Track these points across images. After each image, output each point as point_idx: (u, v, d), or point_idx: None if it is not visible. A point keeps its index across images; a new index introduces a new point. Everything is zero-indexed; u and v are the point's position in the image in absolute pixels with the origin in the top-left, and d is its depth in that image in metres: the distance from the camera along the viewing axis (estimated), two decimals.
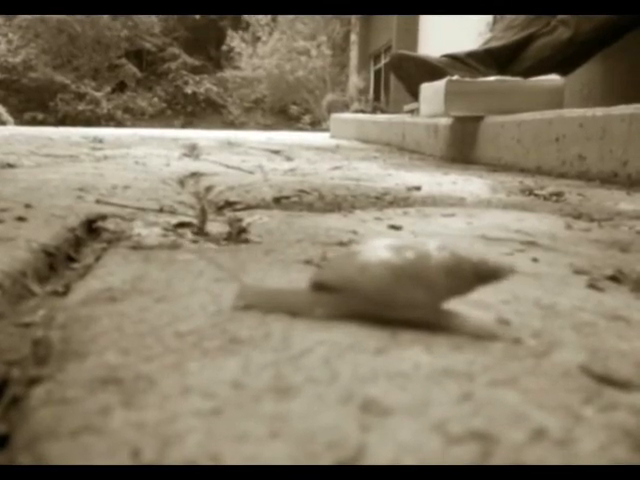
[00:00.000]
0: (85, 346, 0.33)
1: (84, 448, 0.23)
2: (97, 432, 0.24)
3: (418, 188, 1.19)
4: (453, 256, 0.37)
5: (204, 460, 0.22)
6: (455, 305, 0.38)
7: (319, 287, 0.38)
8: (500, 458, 0.23)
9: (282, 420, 0.25)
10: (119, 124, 13.44)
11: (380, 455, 0.23)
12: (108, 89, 15.28)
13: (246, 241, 0.67)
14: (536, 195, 1.22)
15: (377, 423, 0.25)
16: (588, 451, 0.24)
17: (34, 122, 12.32)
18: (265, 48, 13.12)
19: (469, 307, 0.40)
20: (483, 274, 0.37)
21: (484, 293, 0.44)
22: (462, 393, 0.28)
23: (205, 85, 16.22)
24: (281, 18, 13.11)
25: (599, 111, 1.57)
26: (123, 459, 0.22)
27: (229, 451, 0.23)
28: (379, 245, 0.38)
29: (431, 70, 2.47)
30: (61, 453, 0.23)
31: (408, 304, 0.36)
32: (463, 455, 0.23)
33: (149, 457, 0.22)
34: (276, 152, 2.50)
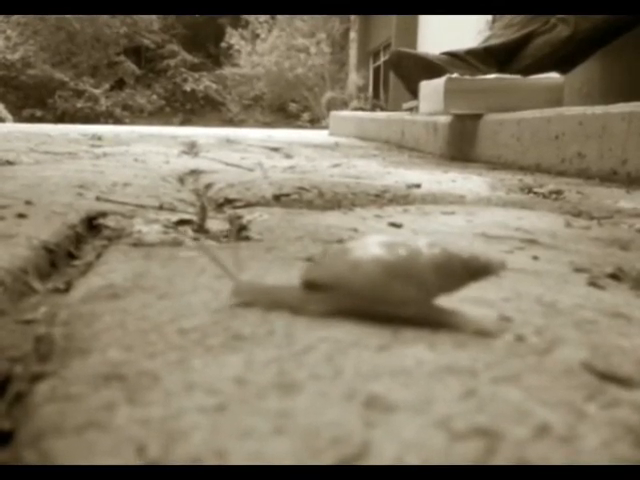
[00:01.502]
0: (88, 343, 0.33)
1: (89, 444, 0.23)
2: (102, 428, 0.24)
3: (418, 186, 1.20)
4: (444, 252, 0.37)
5: (209, 456, 0.22)
6: (456, 302, 0.38)
7: (310, 285, 0.38)
8: (504, 454, 0.23)
9: (286, 416, 0.25)
10: (118, 121, 13.41)
11: (384, 451, 0.23)
12: (107, 86, 15.24)
13: (246, 238, 0.67)
14: (536, 193, 1.23)
15: (381, 419, 0.25)
16: (591, 447, 0.24)
17: (32, 119, 12.29)
18: (264, 45, 13.10)
19: (470, 304, 0.40)
20: (474, 270, 0.37)
21: (485, 290, 0.44)
22: (465, 390, 0.28)
23: (204, 82, 16.18)
24: (280, 15, 13.09)
25: (598, 109, 1.57)
26: (128, 455, 0.22)
27: (234, 447, 0.23)
28: (370, 242, 0.38)
29: (430, 68, 2.47)
30: (66, 449, 0.23)
31: (399, 301, 0.36)
32: (467, 451, 0.23)
33: (154, 453, 0.22)
34: (275, 150, 2.50)
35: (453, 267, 0.37)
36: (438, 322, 0.37)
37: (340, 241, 0.65)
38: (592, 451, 0.23)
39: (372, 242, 0.38)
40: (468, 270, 0.37)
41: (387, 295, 0.36)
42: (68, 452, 0.23)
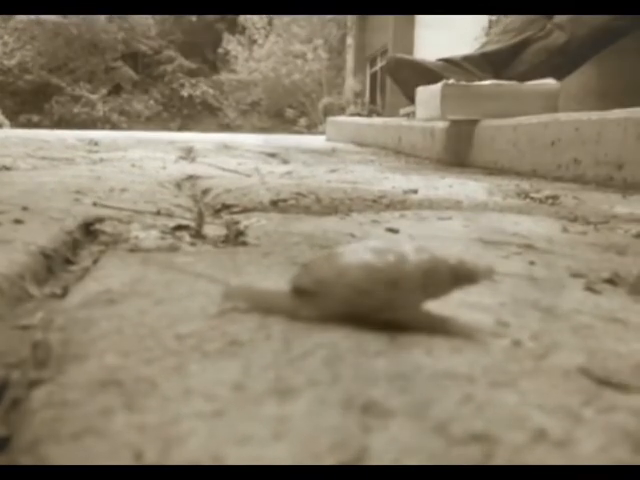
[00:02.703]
0: (85, 348, 0.33)
1: (86, 450, 0.23)
2: (99, 434, 0.24)
3: (415, 191, 1.20)
4: (431, 258, 0.37)
5: (207, 462, 0.22)
6: (452, 307, 0.38)
7: (298, 290, 0.38)
8: (501, 459, 0.23)
9: (284, 422, 0.25)
10: (115, 127, 13.41)
11: (382, 457, 0.23)
12: (104, 92, 15.24)
13: (244, 244, 0.67)
14: (532, 198, 1.23)
15: (379, 425, 0.25)
16: (588, 452, 0.24)
17: (29, 124, 12.29)
18: (261, 51, 13.12)
19: (467, 309, 0.41)
20: (461, 276, 0.37)
21: (482, 295, 0.44)
22: (463, 395, 0.28)
23: (201, 88, 16.19)
24: (277, 21, 13.11)
25: (594, 115, 1.58)
26: (126, 461, 0.22)
27: (232, 453, 0.23)
28: (358, 248, 0.38)
29: (427, 74, 2.47)
30: (63, 455, 0.23)
31: (386, 306, 0.36)
32: (465, 456, 0.23)
33: (151, 459, 0.22)
34: (272, 155, 2.50)
35: (440, 273, 0.37)
36: (430, 327, 0.37)
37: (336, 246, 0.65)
38: (589, 456, 0.23)
39: (360, 248, 0.38)
40: (455, 276, 0.37)
41: (372, 301, 0.36)
42: (65, 458, 0.23)
